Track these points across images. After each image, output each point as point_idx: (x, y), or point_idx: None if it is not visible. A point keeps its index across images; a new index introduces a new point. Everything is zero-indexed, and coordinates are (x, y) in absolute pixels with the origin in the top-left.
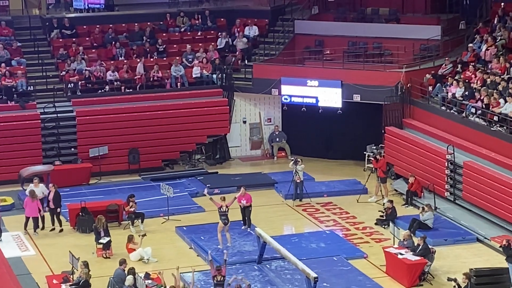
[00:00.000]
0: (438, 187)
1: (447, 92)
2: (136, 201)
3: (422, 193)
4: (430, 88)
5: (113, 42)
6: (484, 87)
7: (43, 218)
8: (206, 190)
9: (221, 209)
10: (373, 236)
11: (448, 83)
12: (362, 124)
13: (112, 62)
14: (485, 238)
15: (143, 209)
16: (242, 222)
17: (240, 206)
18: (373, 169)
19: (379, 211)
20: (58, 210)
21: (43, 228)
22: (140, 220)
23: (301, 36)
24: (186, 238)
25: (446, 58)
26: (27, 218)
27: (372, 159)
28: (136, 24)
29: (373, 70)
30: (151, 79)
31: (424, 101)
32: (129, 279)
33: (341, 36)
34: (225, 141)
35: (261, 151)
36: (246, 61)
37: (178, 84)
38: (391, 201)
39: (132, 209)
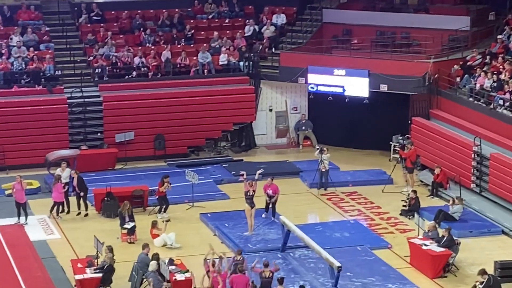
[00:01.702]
0: (464, 179)
1: (475, 83)
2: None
3: (448, 185)
4: (458, 79)
5: (141, 28)
6: None
7: (68, 202)
8: (244, 175)
9: (248, 193)
10: (398, 226)
11: (476, 74)
12: (388, 114)
13: (139, 48)
14: (511, 230)
15: (168, 195)
16: (264, 209)
17: (267, 195)
18: (399, 159)
19: (402, 200)
20: (82, 194)
21: (68, 212)
22: (164, 208)
23: (328, 25)
24: (210, 225)
25: (474, 50)
26: (54, 202)
27: (399, 149)
28: (164, 10)
29: (400, 60)
30: (177, 65)
31: (452, 92)
32: (152, 264)
33: (369, 25)
34: (251, 129)
35: (287, 139)
36: (273, 49)
37: (205, 71)
38: (415, 192)
39: (166, 190)
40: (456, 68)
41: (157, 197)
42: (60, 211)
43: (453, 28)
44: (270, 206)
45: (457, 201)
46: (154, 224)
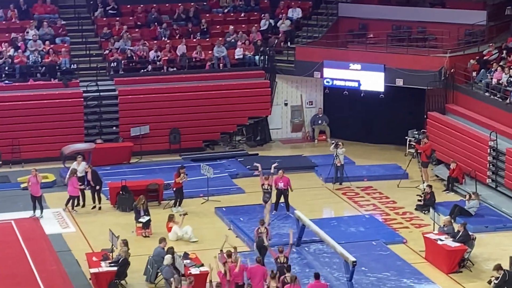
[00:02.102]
0: (479, 174)
1: (491, 78)
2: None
3: (464, 180)
4: (474, 73)
5: (156, 22)
6: None
7: (83, 196)
8: (259, 167)
9: (263, 186)
10: (413, 221)
11: (493, 69)
12: (404, 109)
13: (155, 42)
14: None
15: (183, 189)
16: (274, 205)
17: (277, 188)
18: (415, 154)
19: (417, 195)
20: (98, 188)
21: (83, 205)
22: (179, 202)
23: (344, 19)
24: (225, 219)
25: (490, 45)
26: (70, 196)
27: (414, 143)
28: (179, 4)
29: (416, 55)
30: (193, 59)
31: (468, 86)
32: (167, 259)
33: (385, 19)
34: (266, 123)
35: (302, 133)
36: (289, 43)
37: (220, 65)
38: (430, 186)
39: (182, 181)
40: (472, 62)
41: (174, 189)
42: (75, 204)
43: (469, 23)
44: (282, 200)
45: (474, 197)
46: (171, 218)
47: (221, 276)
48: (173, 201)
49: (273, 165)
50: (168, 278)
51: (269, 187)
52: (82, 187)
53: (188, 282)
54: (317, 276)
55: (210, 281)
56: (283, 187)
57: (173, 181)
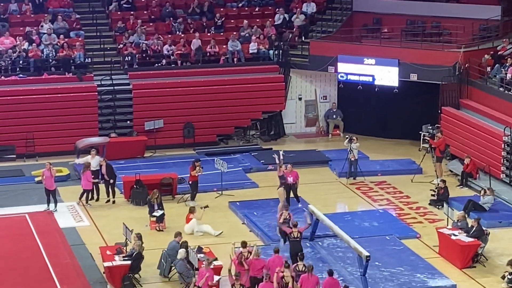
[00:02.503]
0: (493, 169)
1: (506, 73)
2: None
3: (478, 175)
4: (489, 68)
5: (171, 17)
6: None
7: (98, 189)
8: (277, 158)
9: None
10: (427, 216)
11: (507, 64)
12: (418, 104)
13: (169, 36)
14: None
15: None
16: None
17: (287, 183)
18: (429, 148)
19: (430, 190)
20: (111, 181)
21: (97, 199)
22: (191, 196)
23: (359, 14)
24: (239, 214)
25: (504, 40)
26: (83, 190)
27: (429, 138)
28: None
29: (431, 50)
30: (207, 54)
31: (482, 82)
32: (181, 253)
33: (399, 14)
34: (280, 118)
35: (316, 128)
36: (303, 37)
37: (235, 59)
38: (443, 181)
39: (198, 174)
40: (487, 57)
41: (190, 182)
42: (89, 198)
43: (484, 18)
44: (292, 194)
45: (488, 192)
46: (192, 210)
47: (237, 264)
48: (188, 195)
49: (281, 152)
50: (182, 272)
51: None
52: (96, 180)
53: (207, 263)
54: (330, 273)
55: (229, 270)
56: (292, 182)
57: (188, 174)
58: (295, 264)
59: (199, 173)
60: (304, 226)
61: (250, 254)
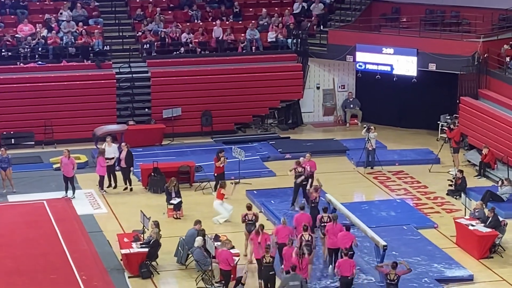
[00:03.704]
0: None
1: None
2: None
3: (496, 165)
4: (508, 59)
5: (189, 5)
6: None
7: (115, 177)
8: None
9: (297, 169)
10: (444, 206)
11: None
12: (436, 94)
13: (187, 24)
14: None
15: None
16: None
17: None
18: (447, 139)
19: (448, 180)
20: (131, 169)
21: (115, 187)
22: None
23: (377, 3)
24: (257, 202)
25: None
26: (100, 176)
27: (446, 128)
28: None
29: (449, 39)
30: (226, 41)
31: (501, 72)
32: (198, 240)
33: (418, 3)
34: (298, 107)
35: (334, 117)
36: (321, 26)
37: (253, 48)
38: (461, 171)
39: (223, 165)
40: (506, 47)
41: (215, 174)
42: (107, 186)
43: (503, 7)
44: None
45: (506, 182)
46: (223, 185)
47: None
48: (205, 183)
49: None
50: (199, 260)
51: (303, 170)
52: (110, 162)
53: (222, 244)
54: (347, 228)
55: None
56: (310, 171)
57: (214, 166)
58: (321, 216)
59: (224, 164)
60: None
61: (255, 217)
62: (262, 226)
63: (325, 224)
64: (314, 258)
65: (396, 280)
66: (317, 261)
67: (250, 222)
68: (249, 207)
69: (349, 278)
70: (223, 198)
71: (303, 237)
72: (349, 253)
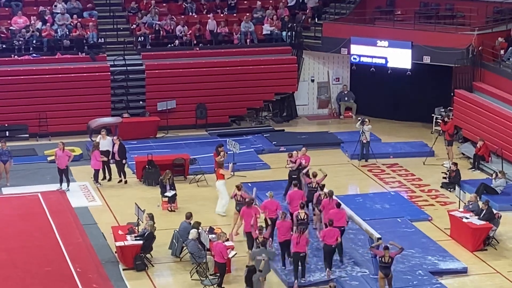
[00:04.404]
0: (506, 152)
1: None
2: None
3: (490, 158)
4: (502, 51)
5: None
6: None
7: (109, 169)
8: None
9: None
10: (438, 199)
11: None
12: (431, 86)
13: (182, 16)
14: None
15: (209, 164)
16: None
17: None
18: (441, 131)
19: (442, 172)
20: (123, 162)
21: (109, 179)
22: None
23: None
24: (251, 195)
25: None
26: (94, 170)
27: (440, 121)
28: None
29: (444, 32)
30: (218, 35)
31: (496, 64)
32: (192, 233)
33: None
34: (293, 99)
35: (328, 110)
36: (316, 19)
37: (248, 40)
38: (455, 164)
39: (223, 160)
40: (500, 40)
41: (216, 169)
42: (101, 178)
43: (498, 0)
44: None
45: (500, 175)
46: (221, 164)
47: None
48: (199, 176)
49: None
50: (194, 252)
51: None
52: (104, 158)
53: (217, 237)
54: (338, 205)
55: (252, 225)
56: (304, 164)
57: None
58: (319, 193)
59: (224, 158)
60: (320, 178)
61: (242, 198)
62: (252, 200)
63: (321, 200)
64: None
65: (390, 262)
66: (311, 253)
67: (239, 202)
68: (238, 187)
69: (332, 246)
70: (224, 178)
71: (298, 215)
72: (341, 228)
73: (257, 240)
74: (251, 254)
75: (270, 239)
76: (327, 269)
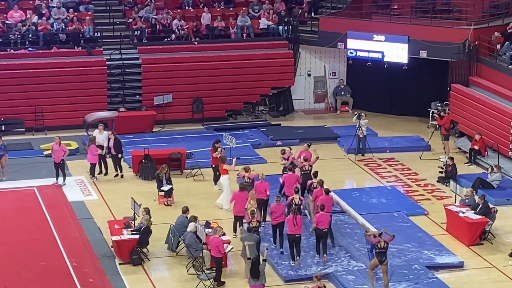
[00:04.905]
0: (502, 147)
1: None
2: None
3: (486, 152)
4: (498, 46)
5: None
6: None
7: (106, 164)
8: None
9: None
10: (435, 193)
11: None
12: (427, 81)
13: (178, 10)
14: None
15: (205, 158)
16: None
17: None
18: (437, 126)
19: (438, 167)
20: (119, 156)
21: (106, 173)
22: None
23: None
24: (247, 189)
25: None
26: (90, 164)
27: (437, 116)
28: None
29: (440, 27)
30: (214, 29)
31: (492, 59)
32: (191, 226)
33: None
34: (289, 94)
35: (325, 104)
36: (312, 13)
37: (244, 35)
38: (451, 159)
39: (219, 156)
40: (497, 35)
41: (213, 165)
42: (98, 172)
43: None
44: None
45: (496, 169)
46: (223, 159)
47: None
48: (195, 170)
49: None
50: (191, 244)
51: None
52: (100, 151)
53: (213, 231)
54: (327, 192)
55: (246, 209)
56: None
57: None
58: (311, 182)
59: (221, 154)
60: (312, 160)
61: (250, 179)
62: (242, 185)
63: (314, 189)
64: (305, 245)
65: (385, 248)
66: (307, 248)
67: (246, 183)
68: (246, 169)
69: (324, 231)
70: (228, 173)
71: (293, 200)
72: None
73: (251, 224)
74: (240, 239)
75: (267, 249)
76: (324, 255)
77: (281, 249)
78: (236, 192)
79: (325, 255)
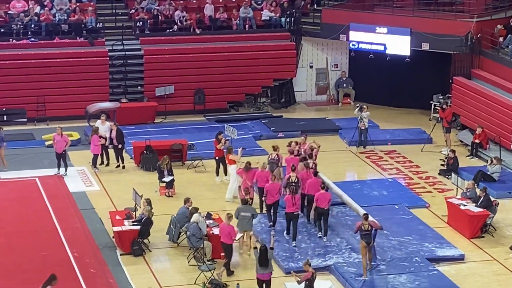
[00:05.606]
0: (504, 139)
1: None
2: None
3: (488, 145)
4: (501, 39)
5: None
6: None
7: (108, 154)
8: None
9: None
10: (436, 186)
11: None
12: (429, 73)
13: (181, 1)
14: None
15: (207, 149)
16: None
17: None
18: (439, 118)
19: (440, 159)
20: (120, 146)
21: (107, 164)
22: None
23: None
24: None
25: None
26: (94, 155)
27: (439, 108)
28: None
29: (443, 19)
30: (217, 20)
31: (494, 52)
32: (195, 216)
33: None
34: (291, 85)
35: (327, 96)
36: (315, 5)
37: (246, 26)
38: (453, 151)
39: (223, 147)
40: (499, 28)
41: (216, 158)
42: (99, 163)
43: None
44: None
45: (495, 161)
46: (230, 150)
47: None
48: (197, 161)
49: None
50: (195, 234)
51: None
52: (102, 141)
53: (227, 217)
54: (315, 174)
55: (239, 187)
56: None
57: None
58: (305, 161)
59: (225, 145)
60: (306, 146)
61: (278, 157)
62: (249, 163)
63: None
64: (306, 237)
65: (369, 230)
66: (308, 240)
67: (272, 161)
68: (275, 148)
69: (324, 209)
70: (235, 163)
71: (290, 178)
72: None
73: (244, 200)
74: (236, 210)
75: (273, 237)
76: (325, 237)
77: (273, 228)
78: (241, 170)
79: (324, 236)
